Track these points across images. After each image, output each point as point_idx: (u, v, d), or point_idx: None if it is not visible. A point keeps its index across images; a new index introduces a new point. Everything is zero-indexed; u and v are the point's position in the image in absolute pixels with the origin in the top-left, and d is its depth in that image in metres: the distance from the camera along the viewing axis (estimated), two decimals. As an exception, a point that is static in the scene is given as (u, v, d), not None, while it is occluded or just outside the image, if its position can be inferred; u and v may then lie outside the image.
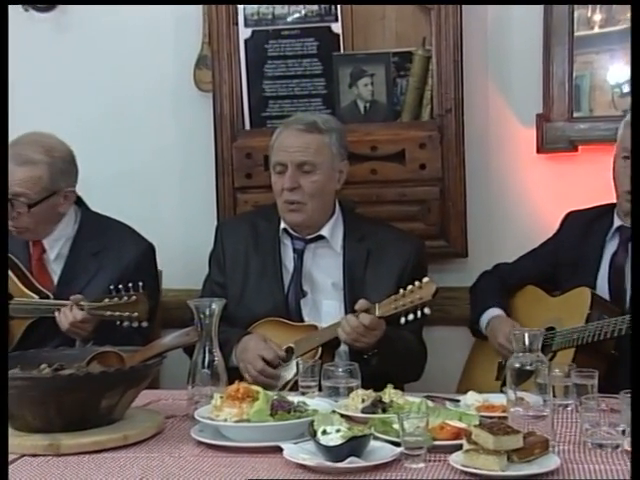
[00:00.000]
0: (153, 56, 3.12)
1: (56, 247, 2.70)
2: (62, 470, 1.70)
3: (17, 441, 1.81)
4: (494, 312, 2.59)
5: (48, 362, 2.03)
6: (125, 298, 2.41)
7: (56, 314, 2.50)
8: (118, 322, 2.44)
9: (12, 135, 2.58)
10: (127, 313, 2.41)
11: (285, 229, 2.63)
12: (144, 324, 2.45)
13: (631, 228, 1.94)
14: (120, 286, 2.43)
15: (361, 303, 2.33)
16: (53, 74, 3.18)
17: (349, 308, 2.47)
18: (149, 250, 2.75)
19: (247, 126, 2.99)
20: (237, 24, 2.94)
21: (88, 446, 1.80)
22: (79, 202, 2.78)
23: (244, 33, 2.94)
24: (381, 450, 1.70)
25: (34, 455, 1.77)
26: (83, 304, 2.45)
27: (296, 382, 2.25)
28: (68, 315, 2.46)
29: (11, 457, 1.76)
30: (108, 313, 2.42)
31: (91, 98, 3.16)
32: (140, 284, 2.43)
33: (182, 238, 3.18)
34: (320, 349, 2.40)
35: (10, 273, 2.62)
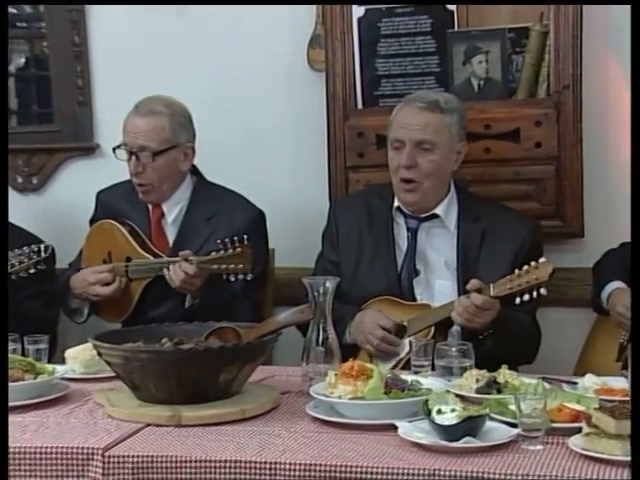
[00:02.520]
0: (267, 36, 3.15)
1: (174, 211, 2.82)
2: (184, 440, 1.75)
3: (142, 411, 1.89)
4: (615, 285, 2.53)
5: (169, 336, 2.11)
6: (230, 250, 2.48)
7: (165, 272, 2.60)
8: (225, 276, 2.51)
9: None
10: (233, 265, 2.48)
11: (399, 207, 2.62)
12: (249, 276, 2.51)
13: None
14: (227, 240, 2.50)
15: (473, 283, 2.31)
16: (172, 54, 3.24)
17: (462, 288, 2.45)
18: (259, 216, 2.83)
19: (359, 105, 2.99)
20: (351, 3, 2.94)
21: (207, 418, 1.85)
22: (195, 171, 2.90)
23: (357, 11, 2.93)
24: (497, 431, 1.69)
25: (158, 425, 1.83)
26: (192, 259, 2.55)
27: (408, 361, 2.26)
28: (178, 271, 2.56)
29: (137, 426, 1.83)
30: (215, 266, 2.50)
31: (206, 77, 3.22)
32: (245, 237, 2.49)
33: (294, 217, 3.21)
34: (433, 328, 2.40)
35: (130, 238, 2.78)
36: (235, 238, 2.48)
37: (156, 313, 2.75)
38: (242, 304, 2.72)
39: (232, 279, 2.51)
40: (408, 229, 2.61)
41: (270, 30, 3.15)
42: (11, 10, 3.45)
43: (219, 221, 2.77)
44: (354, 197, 2.86)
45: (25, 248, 2.65)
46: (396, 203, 2.62)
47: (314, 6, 3.02)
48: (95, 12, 3.30)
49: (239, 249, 2.47)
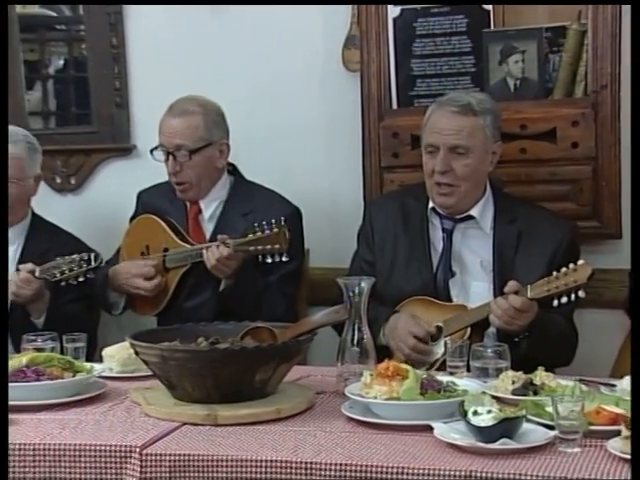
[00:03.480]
0: (302, 36, 3.15)
1: (211, 208, 2.87)
2: (220, 439, 1.76)
3: (179, 410, 1.90)
4: None
5: (205, 336, 2.12)
6: (267, 231, 2.52)
7: (204, 252, 2.65)
8: (260, 257, 2.56)
9: None
10: (269, 246, 2.52)
11: (434, 208, 2.62)
12: (284, 258, 2.54)
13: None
14: (263, 222, 2.54)
15: (510, 285, 2.30)
16: (207, 55, 3.27)
17: (498, 290, 2.44)
18: (296, 213, 2.87)
19: (394, 105, 2.98)
20: (386, 3, 2.93)
21: (243, 418, 1.85)
22: (233, 171, 2.95)
23: (393, 12, 2.92)
24: (534, 433, 1.68)
25: (194, 424, 1.84)
26: (229, 242, 2.59)
27: (443, 362, 2.25)
28: (215, 252, 2.61)
29: (173, 425, 1.85)
30: (252, 248, 2.55)
31: (242, 77, 3.24)
32: (282, 218, 2.54)
33: (328, 217, 3.21)
34: (469, 329, 2.39)
35: (167, 230, 2.83)
36: (273, 221, 2.52)
37: (191, 304, 2.80)
38: (275, 297, 2.76)
39: (268, 260, 2.55)
40: (443, 230, 2.61)
41: (305, 30, 3.16)
42: (50, 13, 3.50)
43: (255, 217, 2.78)
44: (389, 197, 2.85)
45: (76, 256, 2.69)
46: (431, 204, 2.62)
47: (349, 6, 3.03)
48: (133, 14, 3.33)
49: (275, 229, 2.52)
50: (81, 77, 3.47)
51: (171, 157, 2.80)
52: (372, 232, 2.71)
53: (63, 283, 2.70)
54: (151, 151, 2.87)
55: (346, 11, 3.04)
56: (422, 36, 2.93)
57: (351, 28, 3.04)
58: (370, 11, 2.93)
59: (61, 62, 3.55)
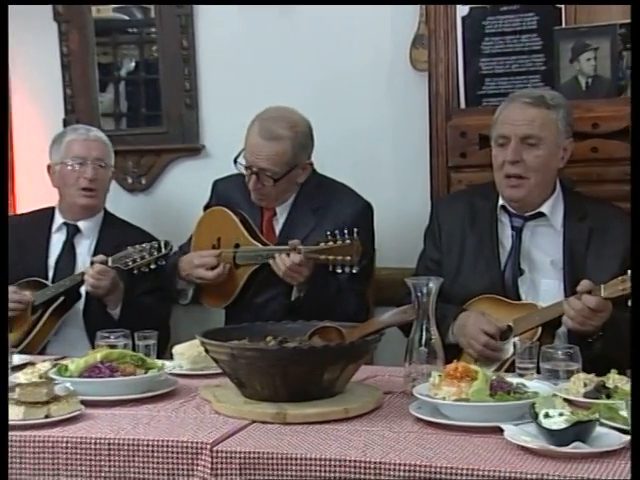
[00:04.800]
0: (370, 36, 3.16)
1: (285, 211, 2.88)
2: (289, 438, 1.77)
3: (248, 408, 1.92)
4: None
5: (273, 334, 2.13)
6: (340, 242, 2.50)
7: (271, 261, 2.64)
8: (331, 267, 2.54)
9: (254, 108, 2.82)
10: (340, 257, 2.50)
11: (503, 206, 2.59)
12: (355, 269, 2.52)
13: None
14: (336, 232, 2.52)
15: (584, 284, 2.26)
16: (275, 55, 3.30)
17: (569, 288, 2.41)
18: (367, 208, 2.86)
19: (462, 105, 2.96)
20: (454, 3, 2.92)
21: (312, 417, 1.86)
22: None
23: (462, 10, 2.91)
24: (608, 437, 1.65)
25: (263, 422, 1.86)
26: (300, 248, 2.58)
27: (512, 363, 2.23)
28: (285, 259, 2.60)
29: (242, 422, 1.86)
30: (322, 257, 2.53)
31: (309, 77, 3.26)
32: (355, 230, 2.51)
33: (395, 217, 3.21)
34: (540, 329, 2.36)
35: (240, 225, 2.83)
36: (345, 231, 2.50)
37: (259, 300, 2.82)
38: (348, 296, 2.75)
39: (338, 270, 2.53)
40: (513, 228, 2.58)
41: (373, 30, 3.16)
42: (122, 17, 3.57)
43: (326, 212, 2.81)
44: (457, 196, 2.84)
45: (146, 244, 2.76)
46: (500, 202, 2.60)
47: (417, 5, 3.02)
48: (203, 16, 3.38)
49: (348, 241, 2.49)
50: (151, 79, 3.53)
51: (254, 176, 2.79)
52: (439, 231, 2.70)
53: (135, 271, 2.76)
54: (235, 160, 2.85)
55: (414, 10, 3.04)
56: (491, 34, 2.90)
57: (419, 27, 3.03)
58: (439, 10, 2.92)
59: (132, 64, 3.62)
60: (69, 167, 3.03)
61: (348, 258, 2.49)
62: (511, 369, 2.24)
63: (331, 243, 2.51)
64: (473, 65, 2.93)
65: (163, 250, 2.74)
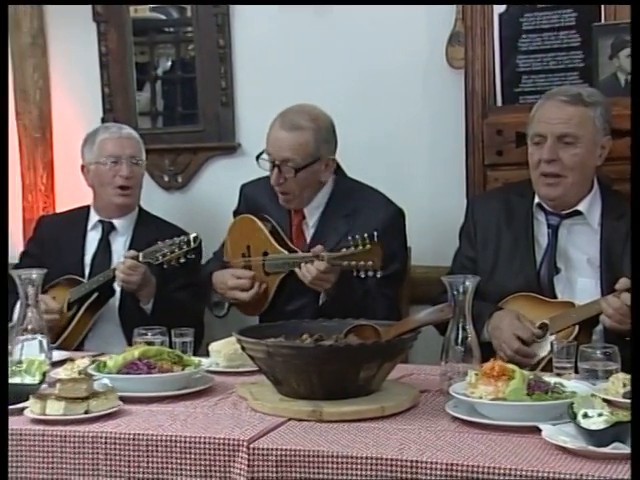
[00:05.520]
0: (406, 34, 3.16)
1: (315, 215, 2.87)
2: (325, 435, 1.78)
3: (284, 405, 1.92)
4: None
5: (309, 332, 2.14)
6: (361, 247, 2.48)
7: (297, 270, 2.64)
8: (355, 272, 2.52)
9: (281, 106, 2.83)
10: (362, 262, 2.48)
11: (539, 204, 2.58)
12: (378, 274, 2.50)
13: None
14: (357, 237, 2.50)
15: (622, 282, 2.24)
16: (310, 54, 3.31)
17: (605, 287, 2.38)
18: (398, 214, 2.84)
19: (499, 102, 2.95)
20: (490, 3, 2.90)
21: (348, 415, 1.86)
22: (336, 169, 2.93)
23: (498, 7, 2.89)
24: (647, 438, 1.63)
25: (299, 420, 1.86)
26: (323, 255, 2.57)
27: (549, 362, 2.21)
28: (310, 268, 2.59)
29: (279, 420, 1.87)
30: (345, 262, 2.52)
31: (345, 76, 3.26)
32: (375, 234, 2.48)
33: (430, 215, 3.20)
34: (577, 328, 2.34)
35: (268, 234, 2.84)
36: (365, 235, 2.48)
37: (291, 307, 2.81)
38: (376, 301, 2.74)
39: (362, 275, 2.52)
40: (549, 226, 2.57)
41: (408, 28, 3.16)
42: (159, 16, 3.60)
43: (357, 218, 2.79)
44: (493, 193, 2.83)
45: (175, 238, 2.78)
46: (536, 200, 2.58)
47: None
48: (239, 15, 3.40)
49: (369, 246, 2.47)
50: (188, 78, 3.55)
51: (276, 169, 2.79)
52: (475, 228, 2.68)
53: (166, 266, 2.78)
54: (257, 157, 2.87)
55: (450, 8, 3.03)
56: (529, 31, 2.88)
57: (455, 25, 3.02)
58: (475, 7, 2.90)
59: (169, 63, 3.64)
60: (104, 166, 3.06)
61: (370, 263, 2.47)
62: (548, 368, 2.22)
63: (352, 249, 2.49)
64: (510, 62, 2.91)
65: (192, 244, 2.76)
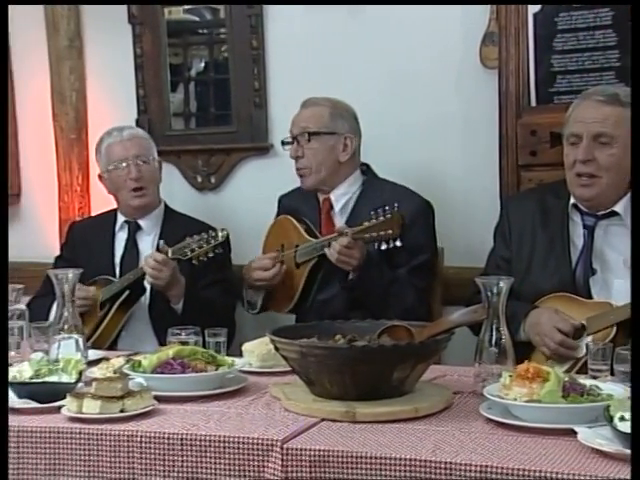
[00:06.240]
0: (440, 33, 3.15)
1: (341, 201, 2.95)
2: (358, 436, 1.77)
3: (317, 406, 1.93)
4: None
5: (342, 333, 2.14)
6: (381, 218, 2.58)
7: (326, 249, 2.72)
8: (377, 245, 2.62)
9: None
10: (383, 232, 2.58)
11: (575, 205, 2.56)
12: (398, 243, 2.59)
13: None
14: (378, 209, 2.60)
15: None
16: (343, 54, 3.31)
17: (642, 289, 2.35)
18: (425, 205, 2.90)
19: (533, 102, 2.93)
20: (525, 3, 2.88)
21: (382, 415, 1.86)
22: (367, 170, 3.00)
23: (533, 7, 2.88)
24: (685, 441, 1.61)
25: (333, 420, 1.86)
26: (347, 231, 2.66)
27: (584, 364, 2.20)
28: (335, 244, 2.67)
29: (312, 420, 1.88)
30: (367, 235, 2.62)
31: (378, 75, 3.26)
32: (395, 205, 2.58)
33: (463, 215, 3.19)
34: (614, 329, 2.32)
35: (298, 226, 2.95)
36: (386, 207, 2.58)
37: (322, 297, 2.88)
38: (404, 290, 2.79)
39: (383, 247, 2.60)
40: (585, 227, 2.55)
41: (442, 28, 3.15)
42: (192, 18, 3.63)
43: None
44: (528, 194, 2.81)
45: (203, 234, 2.81)
46: (572, 200, 2.56)
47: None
48: (273, 16, 3.41)
49: (389, 215, 2.57)
50: (221, 79, 3.56)
51: (295, 143, 2.92)
52: (509, 228, 2.68)
53: (194, 261, 2.80)
54: (283, 143, 3.01)
55: (484, 8, 3.01)
56: (564, 31, 2.86)
57: (489, 24, 3.00)
58: (510, 7, 2.90)
59: (202, 65, 3.66)
60: (114, 172, 3.09)
61: (390, 232, 2.57)
62: (583, 370, 2.20)
63: (374, 221, 2.60)
64: (544, 62, 2.90)
65: (220, 238, 2.78)
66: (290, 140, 2.97)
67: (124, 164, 3.07)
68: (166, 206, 3.21)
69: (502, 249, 2.69)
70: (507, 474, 1.59)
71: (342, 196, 2.94)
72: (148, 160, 3.11)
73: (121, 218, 3.18)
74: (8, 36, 3.03)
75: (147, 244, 3.11)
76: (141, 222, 3.14)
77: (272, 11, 3.40)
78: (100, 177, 3.20)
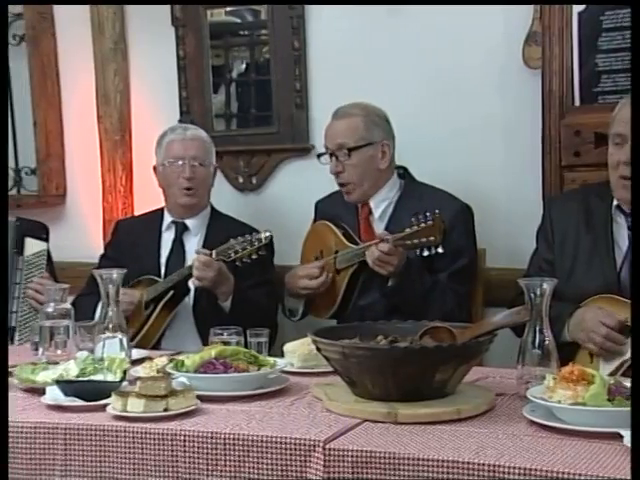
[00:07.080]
0: (482, 32, 3.13)
1: (380, 207, 2.94)
2: (400, 437, 1.77)
3: (359, 406, 1.92)
4: None
5: (384, 334, 2.13)
6: (423, 224, 2.57)
7: (367, 253, 2.72)
8: (418, 251, 2.61)
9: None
10: (424, 239, 2.56)
11: (619, 206, 2.53)
12: (439, 250, 2.57)
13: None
14: (420, 216, 2.59)
15: None
16: (384, 55, 3.31)
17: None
18: (465, 209, 2.88)
19: (577, 102, 2.90)
20: (569, 3, 2.86)
21: (424, 417, 1.85)
22: (404, 174, 3.00)
23: (578, 6, 2.85)
24: None
25: (374, 421, 1.86)
26: (388, 237, 2.65)
27: (630, 366, 2.17)
28: (374, 250, 2.67)
29: (354, 421, 1.87)
30: (408, 242, 2.61)
31: (418, 76, 3.25)
32: (437, 211, 2.56)
33: (505, 217, 3.17)
34: (662, 331, 2.28)
35: (339, 234, 2.95)
36: (428, 213, 2.56)
37: (363, 302, 2.87)
38: (445, 295, 2.77)
39: (425, 254, 2.58)
40: (629, 228, 2.52)
41: (484, 28, 3.13)
42: (234, 19, 3.65)
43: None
44: (571, 195, 2.79)
45: (247, 236, 2.82)
46: (616, 202, 2.53)
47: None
48: (314, 17, 3.42)
49: (430, 222, 2.56)
50: (262, 80, 3.58)
51: (333, 158, 2.90)
52: (552, 230, 2.65)
53: (238, 263, 2.82)
54: (318, 156, 3.01)
55: (528, 8, 2.99)
56: (609, 30, 2.83)
57: (533, 24, 2.98)
58: (553, 7, 2.87)
59: (243, 66, 3.68)
60: (169, 167, 3.12)
61: (432, 238, 2.55)
62: (629, 373, 2.17)
63: (415, 227, 2.58)
64: (589, 62, 2.87)
65: (264, 240, 2.80)
66: (325, 152, 2.96)
67: (180, 162, 3.10)
68: (212, 208, 3.23)
69: (545, 251, 2.67)
70: (552, 477, 1.58)
71: (381, 202, 2.94)
72: (204, 163, 3.14)
73: (168, 218, 3.20)
74: (8, 36, 3.07)
75: (193, 245, 3.12)
76: (188, 223, 3.16)
77: (314, 12, 3.41)
78: (155, 169, 3.22)
